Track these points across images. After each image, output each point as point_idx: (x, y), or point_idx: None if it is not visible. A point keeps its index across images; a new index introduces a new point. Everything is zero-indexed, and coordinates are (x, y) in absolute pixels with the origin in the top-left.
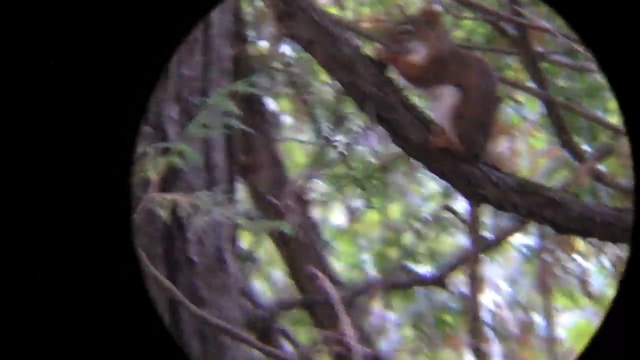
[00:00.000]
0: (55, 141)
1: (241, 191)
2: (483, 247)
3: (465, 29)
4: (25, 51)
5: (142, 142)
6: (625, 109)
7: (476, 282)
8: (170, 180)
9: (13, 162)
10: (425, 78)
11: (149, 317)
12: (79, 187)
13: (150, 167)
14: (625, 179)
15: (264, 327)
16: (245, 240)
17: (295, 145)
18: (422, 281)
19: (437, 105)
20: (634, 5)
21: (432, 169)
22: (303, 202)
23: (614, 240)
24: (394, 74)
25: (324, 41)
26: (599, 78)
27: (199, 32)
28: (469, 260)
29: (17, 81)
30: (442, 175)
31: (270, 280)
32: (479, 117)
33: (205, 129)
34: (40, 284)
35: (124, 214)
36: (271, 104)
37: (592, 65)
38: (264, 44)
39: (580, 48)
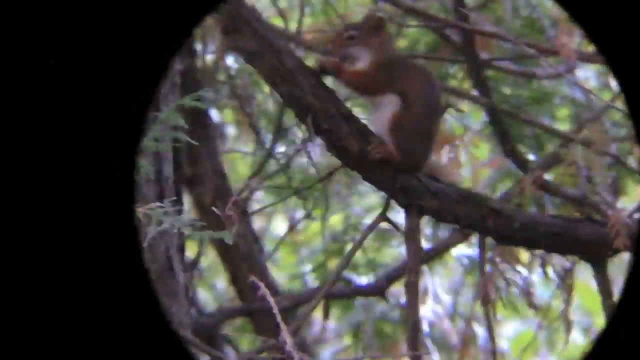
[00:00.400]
0: (55, 141)
1: (186, 202)
2: (422, 258)
3: (409, 37)
4: (25, 51)
5: None
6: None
7: (415, 293)
8: None
9: (13, 162)
10: (369, 86)
11: (153, 315)
12: (79, 187)
13: None
14: (573, 188)
15: (209, 334)
16: (190, 250)
17: (239, 156)
18: (362, 291)
19: (378, 115)
20: None
21: (371, 180)
22: (245, 213)
23: (560, 251)
24: (335, 85)
25: (266, 53)
26: (547, 84)
27: None
28: (408, 271)
29: (17, 81)
30: (380, 186)
31: (213, 288)
32: (420, 127)
33: (157, 143)
34: (40, 284)
35: (125, 214)
36: (216, 115)
37: (540, 71)
38: (209, 57)
39: (530, 52)
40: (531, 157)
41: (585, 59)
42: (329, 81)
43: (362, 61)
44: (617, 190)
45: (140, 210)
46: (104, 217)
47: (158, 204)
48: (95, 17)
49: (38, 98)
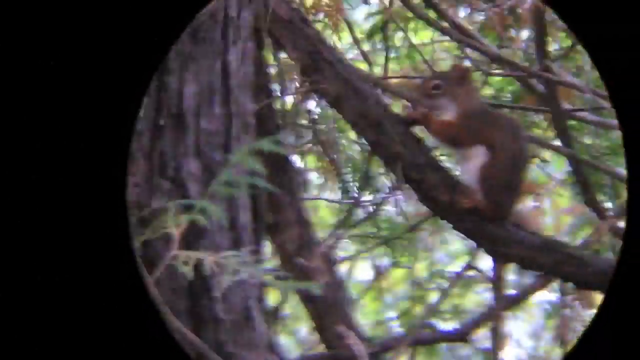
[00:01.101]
0: (55, 141)
1: (268, 250)
2: (506, 304)
3: (494, 85)
4: (25, 51)
5: (160, 196)
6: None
7: (499, 338)
8: (194, 238)
9: (13, 162)
10: (457, 138)
11: (149, 318)
12: (79, 188)
13: (171, 223)
14: None
15: None
16: (271, 297)
17: (323, 203)
18: (446, 337)
19: (466, 166)
20: None
21: (459, 229)
22: (331, 262)
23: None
24: (422, 134)
25: (351, 98)
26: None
27: (218, 82)
28: (492, 317)
29: (17, 81)
30: (468, 234)
31: (296, 336)
32: (507, 178)
33: (229, 187)
34: (40, 284)
35: (122, 214)
36: (297, 161)
37: (615, 122)
38: (288, 99)
39: (605, 104)
40: (608, 204)
41: None
42: (416, 129)
43: (449, 112)
44: None
45: (212, 259)
46: (104, 217)
47: (233, 252)
48: (94, 16)
49: (38, 98)
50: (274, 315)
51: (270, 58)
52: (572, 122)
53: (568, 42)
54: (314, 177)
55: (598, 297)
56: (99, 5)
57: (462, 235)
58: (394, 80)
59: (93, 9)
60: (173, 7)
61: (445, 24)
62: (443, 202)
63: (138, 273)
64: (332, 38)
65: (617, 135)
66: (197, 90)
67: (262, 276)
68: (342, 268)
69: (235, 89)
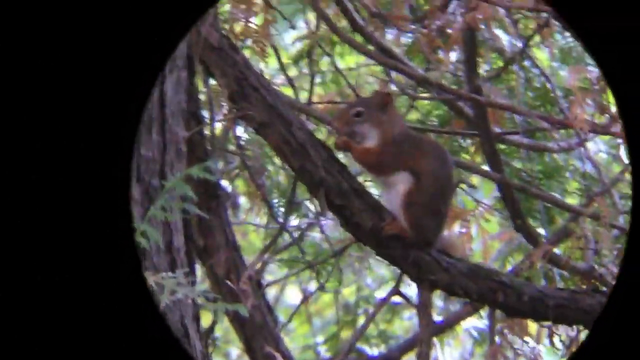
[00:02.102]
0: (55, 141)
1: (199, 273)
2: (433, 330)
3: (421, 109)
4: (25, 51)
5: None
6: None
7: None
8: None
9: (13, 162)
10: (379, 164)
11: (150, 317)
12: (79, 188)
13: None
14: (582, 262)
15: None
16: (204, 319)
17: (251, 227)
18: None
19: (390, 192)
20: None
21: (382, 255)
22: (259, 285)
23: (567, 322)
24: (346, 160)
25: (276, 124)
26: (558, 157)
27: (155, 110)
28: (419, 343)
29: (17, 81)
30: (392, 261)
31: (228, 357)
32: (432, 204)
33: (165, 212)
34: (40, 284)
35: (123, 214)
36: (226, 186)
37: (551, 145)
38: (217, 125)
39: (542, 125)
40: (541, 230)
41: (598, 130)
42: (341, 156)
43: (371, 140)
44: None
45: (153, 279)
46: (103, 217)
47: (170, 273)
48: (97, 17)
49: (38, 98)
50: (207, 336)
51: (200, 85)
52: (502, 146)
53: (500, 63)
54: (242, 202)
55: (530, 325)
56: (102, 6)
57: (388, 262)
58: (319, 106)
59: (95, 9)
60: (174, 9)
61: (371, 48)
62: (366, 228)
63: (139, 272)
64: (259, 64)
65: (551, 158)
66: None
67: (197, 297)
68: (271, 292)
69: (170, 118)
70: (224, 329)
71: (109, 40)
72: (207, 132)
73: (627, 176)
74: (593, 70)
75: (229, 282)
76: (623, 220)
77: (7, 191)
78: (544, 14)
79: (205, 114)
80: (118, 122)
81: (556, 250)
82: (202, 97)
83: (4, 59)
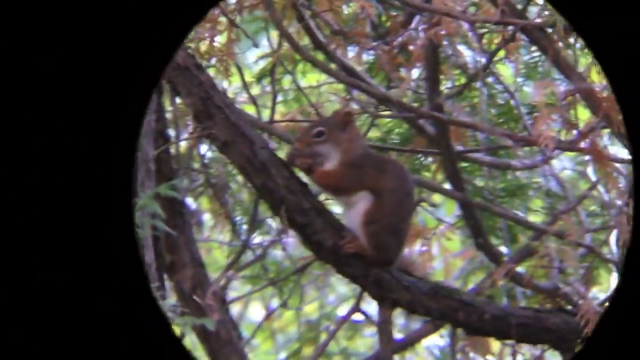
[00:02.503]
0: (55, 141)
1: (168, 288)
2: (394, 348)
3: (382, 127)
4: (25, 51)
5: None
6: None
7: None
8: None
9: (13, 162)
10: (339, 186)
11: (152, 316)
12: (79, 188)
13: None
14: (545, 280)
15: None
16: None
17: (215, 244)
18: None
19: (350, 211)
20: None
21: (344, 274)
22: (223, 301)
23: (531, 341)
24: (308, 179)
25: (239, 143)
26: (522, 175)
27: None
28: None
29: (17, 81)
30: (353, 279)
31: None
32: (392, 223)
33: (138, 229)
34: (40, 284)
35: (124, 214)
36: (191, 203)
37: (515, 162)
38: (183, 144)
39: (506, 142)
40: (504, 249)
41: (564, 147)
42: (302, 174)
43: (331, 160)
44: (589, 280)
45: None
46: (103, 217)
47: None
48: (98, 17)
49: (38, 98)
50: None
51: (167, 103)
52: (464, 164)
53: (463, 80)
54: (206, 219)
55: (493, 343)
56: (103, 7)
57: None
58: (282, 124)
59: (96, 10)
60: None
61: (333, 66)
62: (327, 246)
63: (141, 272)
64: (223, 82)
65: (514, 175)
66: None
67: (167, 311)
68: (235, 308)
69: (140, 137)
70: (191, 343)
71: (111, 40)
72: (173, 150)
73: (594, 193)
74: (560, 85)
75: (195, 298)
76: (590, 239)
77: (7, 191)
78: (510, 28)
79: (172, 132)
80: (119, 122)
81: (519, 269)
82: (168, 115)
83: (5, 59)
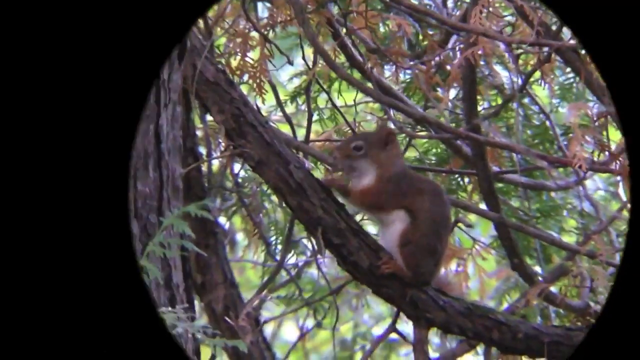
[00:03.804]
0: (55, 141)
1: (198, 308)
2: None
3: (418, 147)
4: (25, 51)
5: None
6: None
7: None
8: None
9: (13, 162)
10: (375, 204)
11: (147, 317)
12: (79, 188)
13: None
14: (577, 299)
15: None
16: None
17: (249, 264)
18: None
19: (387, 231)
20: None
21: (379, 294)
22: (256, 322)
23: (562, 358)
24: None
25: (273, 162)
26: (556, 195)
27: (150, 145)
28: None
29: (17, 81)
30: (389, 299)
31: None
32: (429, 243)
33: (163, 249)
34: (40, 284)
35: (122, 214)
36: (224, 223)
37: (549, 183)
38: (215, 162)
39: (541, 164)
40: (538, 269)
41: (597, 168)
42: (338, 194)
43: (368, 177)
44: None
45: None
46: (104, 218)
47: (170, 308)
48: (99, 17)
49: (38, 98)
50: None
51: (197, 120)
52: (500, 185)
53: (499, 100)
54: (240, 239)
55: None
56: (104, 7)
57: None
58: (317, 144)
59: (97, 11)
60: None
61: (369, 85)
62: (363, 267)
63: (138, 275)
64: (256, 100)
65: (548, 196)
66: (133, 153)
67: (196, 332)
68: (268, 328)
69: (166, 153)
70: None
71: (111, 39)
72: (204, 168)
73: (625, 213)
74: (593, 107)
75: (227, 319)
76: (619, 258)
77: (7, 191)
78: (546, 49)
79: (202, 150)
80: (119, 122)
81: (552, 288)
82: (199, 133)
83: (5, 59)
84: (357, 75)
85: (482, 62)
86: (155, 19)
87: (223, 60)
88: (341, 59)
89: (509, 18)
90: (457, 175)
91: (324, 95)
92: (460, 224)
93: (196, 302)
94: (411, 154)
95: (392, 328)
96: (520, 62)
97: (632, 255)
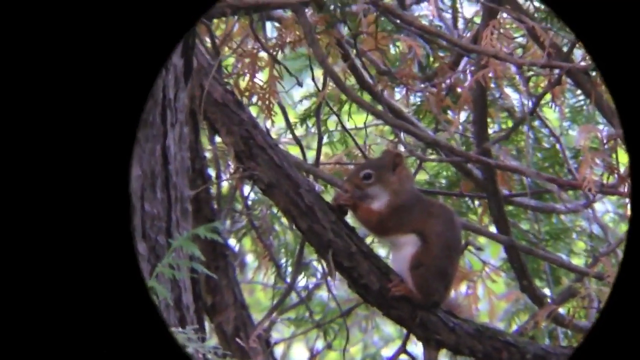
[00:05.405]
0: (55, 141)
1: (208, 330)
2: None
3: (429, 170)
4: (25, 51)
5: None
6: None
7: None
8: None
9: (13, 161)
10: (382, 226)
11: (149, 318)
12: (79, 188)
13: None
14: (585, 320)
15: None
16: None
17: (259, 285)
18: None
19: (397, 254)
20: None
21: (390, 316)
22: (266, 343)
23: None
24: (354, 222)
25: (284, 185)
26: (565, 218)
27: (158, 166)
28: None
29: (17, 81)
30: (399, 321)
31: None
32: (440, 266)
33: (172, 270)
34: (40, 284)
35: (122, 215)
36: (234, 245)
37: (559, 206)
38: (224, 184)
39: (551, 187)
40: (547, 291)
41: (606, 192)
42: (348, 217)
43: (379, 201)
44: None
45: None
46: (103, 218)
47: (180, 329)
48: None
49: (38, 98)
50: None
51: (205, 142)
52: (510, 207)
53: (510, 123)
54: (250, 261)
55: None
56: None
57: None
58: (327, 167)
59: (96, 11)
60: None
61: (380, 107)
62: (374, 289)
63: (138, 275)
64: (265, 122)
65: (558, 219)
66: (140, 174)
67: (207, 352)
68: (278, 350)
69: (174, 174)
70: None
71: (111, 39)
72: (213, 190)
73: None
74: (603, 130)
75: (238, 340)
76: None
77: (7, 191)
78: (556, 71)
79: (212, 172)
80: (119, 122)
81: (560, 310)
82: (208, 154)
83: (5, 59)
84: (367, 97)
85: (492, 85)
86: (155, 18)
87: (231, 81)
88: (351, 81)
89: (519, 39)
90: (467, 198)
91: (334, 118)
92: (470, 247)
93: (206, 324)
94: (422, 177)
95: (402, 349)
96: (531, 84)
97: (628, 269)
